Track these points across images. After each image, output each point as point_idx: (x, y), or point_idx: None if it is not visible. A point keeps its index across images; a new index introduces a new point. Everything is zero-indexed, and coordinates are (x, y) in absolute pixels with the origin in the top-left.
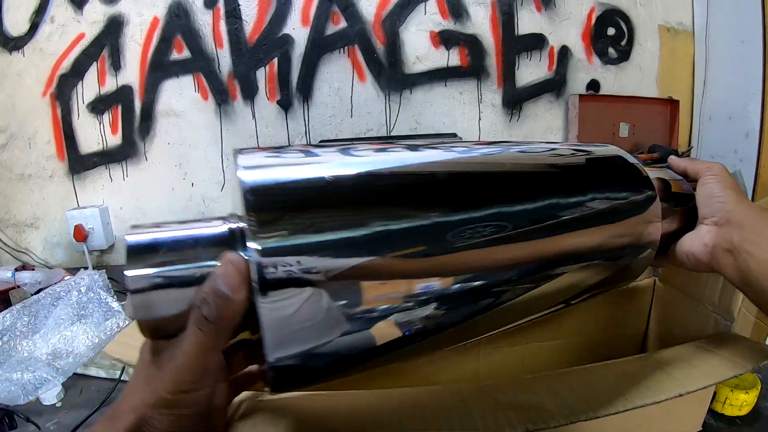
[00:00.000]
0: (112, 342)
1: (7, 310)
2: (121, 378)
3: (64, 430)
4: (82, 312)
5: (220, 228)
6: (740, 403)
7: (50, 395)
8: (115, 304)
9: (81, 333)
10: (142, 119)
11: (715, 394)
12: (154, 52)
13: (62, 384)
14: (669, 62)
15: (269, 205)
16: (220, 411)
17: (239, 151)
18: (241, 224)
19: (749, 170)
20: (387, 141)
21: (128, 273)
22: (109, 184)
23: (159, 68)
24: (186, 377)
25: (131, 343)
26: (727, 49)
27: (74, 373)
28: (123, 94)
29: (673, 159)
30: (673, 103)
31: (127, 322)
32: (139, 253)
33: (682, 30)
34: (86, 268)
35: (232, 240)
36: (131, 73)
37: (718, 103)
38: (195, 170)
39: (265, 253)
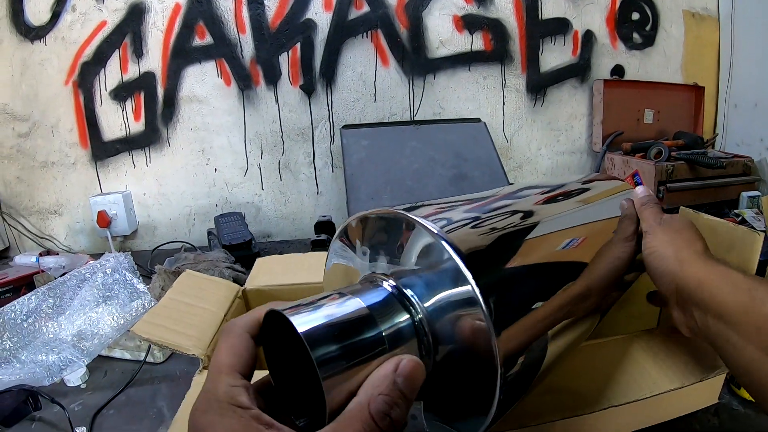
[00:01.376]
0: (139, 321)
1: (32, 292)
2: (146, 360)
3: (88, 411)
4: (108, 293)
5: (383, 291)
6: None
7: (75, 377)
8: (141, 285)
9: (106, 314)
10: (165, 105)
11: None
12: (176, 39)
13: (87, 365)
14: (694, 48)
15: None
16: None
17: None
18: (401, 281)
19: None
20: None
21: (317, 359)
22: (132, 170)
23: (181, 54)
24: None
25: (158, 323)
26: (752, 36)
27: (99, 355)
28: (145, 81)
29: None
30: (698, 90)
31: (152, 303)
32: (321, 340)
33: (707, 15)
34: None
35: (402, 298)
36: (153, 60)
37: (744, 91)
38: (218, 156)
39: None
